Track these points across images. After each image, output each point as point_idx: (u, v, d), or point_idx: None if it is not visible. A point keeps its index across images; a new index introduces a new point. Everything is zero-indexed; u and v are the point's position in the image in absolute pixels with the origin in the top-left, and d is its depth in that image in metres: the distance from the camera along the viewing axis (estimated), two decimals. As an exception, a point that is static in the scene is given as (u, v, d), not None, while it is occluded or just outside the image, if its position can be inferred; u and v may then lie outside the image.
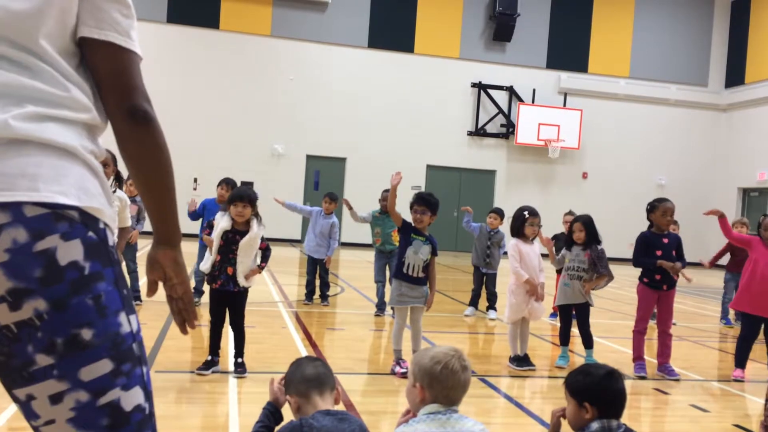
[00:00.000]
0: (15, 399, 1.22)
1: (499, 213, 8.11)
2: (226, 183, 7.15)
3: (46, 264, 1.14)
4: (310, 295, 7.95)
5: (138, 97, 1.33)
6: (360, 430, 2.16)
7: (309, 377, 2.30)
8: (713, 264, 8.27)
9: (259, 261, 4.82)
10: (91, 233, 1.20)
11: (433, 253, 5.06)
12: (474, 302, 8.03)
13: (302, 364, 2.37)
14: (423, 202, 5.02)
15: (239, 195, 4.64)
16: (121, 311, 1.24)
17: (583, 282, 5.55)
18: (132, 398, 1.24)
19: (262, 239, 4.73)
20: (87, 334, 1.18)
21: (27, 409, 1.20)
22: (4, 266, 1.12)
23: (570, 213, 8.31)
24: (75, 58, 1.31)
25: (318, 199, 15.50)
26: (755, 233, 5.74)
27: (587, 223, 5.65)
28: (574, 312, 5.74)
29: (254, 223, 4.67)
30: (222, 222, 4.67)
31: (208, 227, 4.85)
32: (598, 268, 5.53)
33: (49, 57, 1.25)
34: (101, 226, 1.23)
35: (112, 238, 1.28)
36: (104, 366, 1.20)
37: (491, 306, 7.92)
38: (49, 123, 1.21)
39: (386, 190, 7.47)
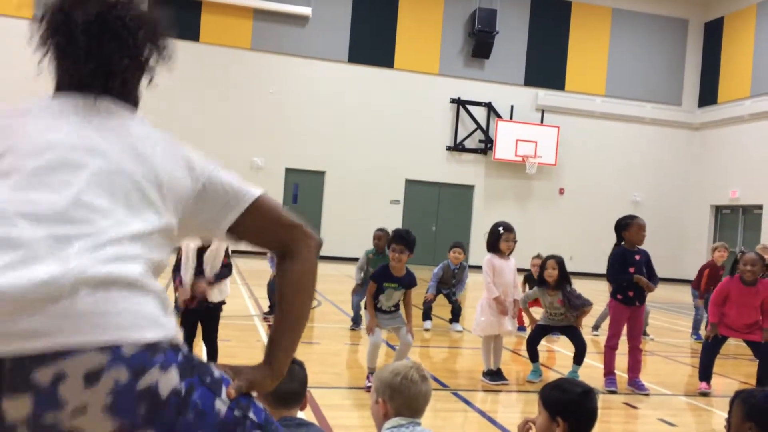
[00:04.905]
0: None
1: (462, 246, 8.08)
2: None
3: (150, 399, 1.17)
4: (274, 309, 7.91)
5: None
6: None
7: (280, 396, 2.21)
8: (704, 293, 8.21)
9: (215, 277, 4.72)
10: (180, 356, 1.24)
11: (409, 287, 5.08)
12: (428, 315, 8.00)
13: None
14: (401, 240, 4.95)
15: None
16: (214, 401, 1.29)
17: (574, 322, 5.62)
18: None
19: (227, 254, 4.70)
20: None
21: None
22: (108, 409, 1.13)
23: (538, 256, 8.33)
24: None
25: (296, 213, 15.48)
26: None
27: (561, 262, 5.66)
28: (555, 333, 5.82)
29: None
30: (192, 242, 4.65)
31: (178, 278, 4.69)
32: (575, 304, 5.57)
33: None
34: (183, 348, 1.28)
35: None
36: None
37: (455, 319, 7.97)
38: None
39: (379, 229, 7.28)
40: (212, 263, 4.61)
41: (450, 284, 7.99)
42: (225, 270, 4.72)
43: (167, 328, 1.23)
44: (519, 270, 5.76)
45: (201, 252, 4.62)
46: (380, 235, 7.13)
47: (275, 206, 1.53)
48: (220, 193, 1.45)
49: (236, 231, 1.47)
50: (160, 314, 1.23)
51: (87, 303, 1.13)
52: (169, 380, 1.19)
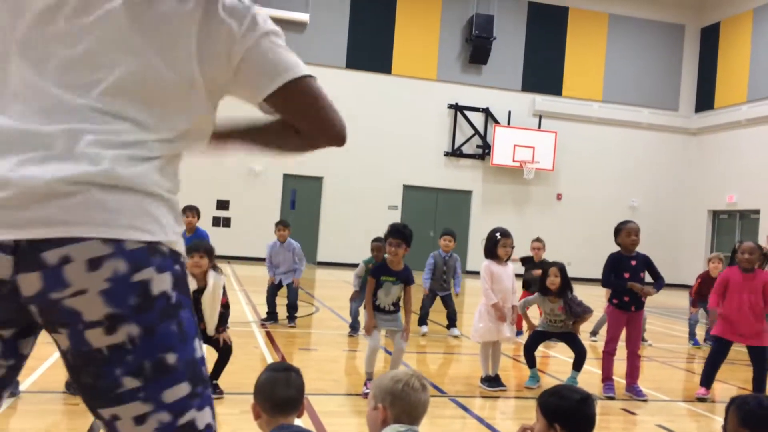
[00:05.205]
0: (98, 417, 1.30)
1: (452, 234, 8.09)
2: (190, 209, 6.86)
3: (141, 293, 1.24)
4: (272, 315, 7.89)
5: None
6: None
7: (278, 402, 2.24)
8: (696, 302, 8.39)
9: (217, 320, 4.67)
10: (177, 266, 1.31)
11: (407, 283, 5.10)
12: (425, 320, 8.02)
13: (276, 385, 2.27)
14: (398, 234, 4.99)
15: (195, 246, 4.52)
16: (195, 337, 1.34)
17: (572, 328, 5.59)
18: (204, 417, 1.33)
19: (224, 293, 4.63)
20: (171, 358, 1.27)
21: (111, 427, 1.29)
22: (104, 293, 1.22)
23: (538, 240, 8.29)
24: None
25: (294, 218, 15.47)
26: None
27: (563, 269, 5.62)
28: (554, 339, 5.80)
29: (210, 276, 4.56)
30: (190, 284, 4.57)
31: None
32: (576, 312, 5.55)
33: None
34: (182, 260, 1.35)
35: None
36: (184, 388, 1.29)
37: (452, 324, 7.96)
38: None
39: (376, 239, 7.24)
40: (211, 305, 4.52)
41: (442, 280, 7.97)
42: (227, 312, 4.70)
43: (170, 233, 1.30)
44: (517, 275, 5.75)
45: (197, 293, 4.52)
46: (379, 247, 7.10)
47: (315, 95, 1.49)
48: (257, 66, 1.43)
49: (270, 102, 1.47)
50: (165, 219, 1.30)
51: (99, 201, 1.23)
52: (162, 282, 1.26)
